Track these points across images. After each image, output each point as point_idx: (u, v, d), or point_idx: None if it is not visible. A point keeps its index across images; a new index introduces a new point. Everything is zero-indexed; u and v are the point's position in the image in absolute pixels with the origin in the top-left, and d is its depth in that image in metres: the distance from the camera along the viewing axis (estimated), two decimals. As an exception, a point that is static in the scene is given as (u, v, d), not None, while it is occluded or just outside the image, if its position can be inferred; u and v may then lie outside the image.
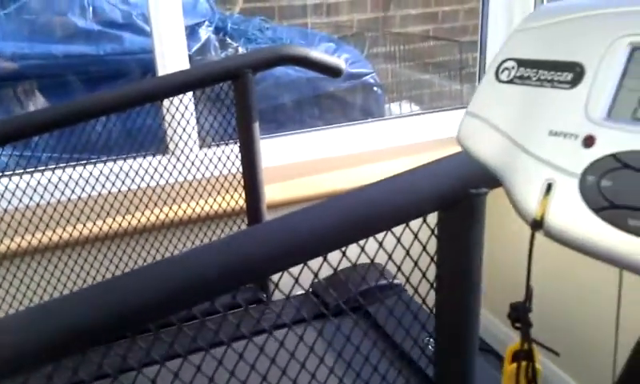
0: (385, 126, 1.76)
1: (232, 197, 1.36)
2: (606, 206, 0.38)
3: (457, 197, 0.58)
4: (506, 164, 0.46)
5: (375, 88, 1.99)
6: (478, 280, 0.61)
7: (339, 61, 1.40)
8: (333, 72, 1.44)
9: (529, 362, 0.51)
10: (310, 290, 1.47)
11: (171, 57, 1.51)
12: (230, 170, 1.45)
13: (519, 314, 0.45)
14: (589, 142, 0.40)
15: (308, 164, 1.69)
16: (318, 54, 1.37)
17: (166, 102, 1.58)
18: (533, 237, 0.43)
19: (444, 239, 0.61)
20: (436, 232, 0.62)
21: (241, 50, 1.85)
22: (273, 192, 1.59)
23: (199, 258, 0.58)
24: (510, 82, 0.47)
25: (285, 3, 2.90)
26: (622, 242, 0.38)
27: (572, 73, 0.42)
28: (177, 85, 1.31)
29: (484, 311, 0.71)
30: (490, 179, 0.47)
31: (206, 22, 1.76)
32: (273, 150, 1.70)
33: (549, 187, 0.42)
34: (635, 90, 0.39)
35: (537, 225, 0.42)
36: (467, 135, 0.49)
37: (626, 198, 0.37)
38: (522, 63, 0.46)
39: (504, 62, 0.48)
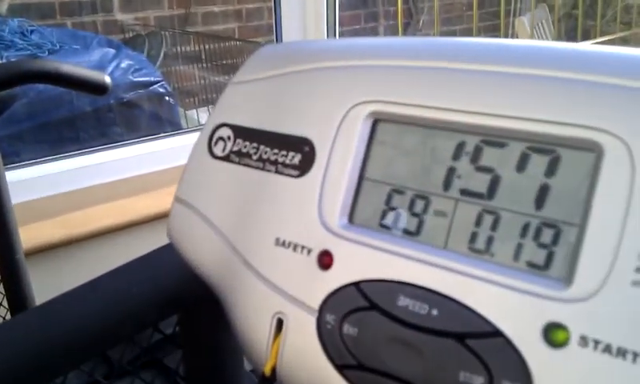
0: (175, 141, 1.58)
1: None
2: (352, 365, 0.26)
3: (195, 295, 0.43)
4: (226, 279, 0.31)
5: (167, 97, 1.78)
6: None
7: (102, 75, 1.17)
8: (95, 89, 1.20)
9: None
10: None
11: None
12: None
13: None
14: (325, 261, 0.27)
15: (78, 193, 1.44)
16: (72, 68, 1.13)
17: None
18: (261, 398, 0.29)
19: (187, 345, 0.46)
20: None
21: (-9, 61, 1.52)
22: (36, 233, 1.32)
23: None
24: (227, 158, 0.32)
25: (66, -1, 2.55)
26: (375, 420, 0.25)
27: (300, 153, 0.29)
28: None
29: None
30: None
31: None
32: (35, 179, 1.43)
33: (280, 324, 0.28)
34: (383, 183, 0.27)
35: (267, 381, 0.29)
36: (177, 229, 0.34)
37: (376, 357, 0.25)
38: (239, 133, 0.32)
39: (218, 128, 0.33)
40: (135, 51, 1.95)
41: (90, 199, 1.51)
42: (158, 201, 1.54)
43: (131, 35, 2.64)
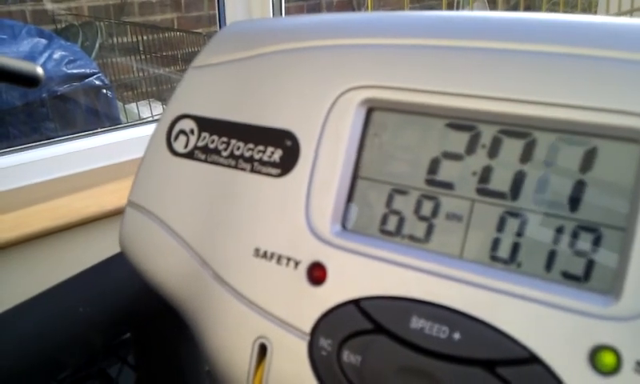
0: (115, 136, 1.49)
1: None
2: (353, 398, 0.22)
3: (152, 309, 0.38)
4: (194, 298, 0.27)
5: (104, 90, 1.68)
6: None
7: (34, 66, 1.08)
8: (26, 81, 1.11)
9: None
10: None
11: None
12: None
13: None
14: (317, 274, 0.23)
15: (8, 195, 1.34)
16: (2, 58, 1.04)
17: None
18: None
19: (142, 367, 0.41)
20: (130, 359, 0.41)
21: None
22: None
23: None
24: (190, 155, 0.27)
25: (-10, -14, 2.39)
26: None
27: (281, 149, 0.25)
28: None
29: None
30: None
31: None
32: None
33: (263, 350, 0.24)
34: (381, 182, 0.23)
35: (246, 417, 0.24)
36: (132, 239, 0.29)
37: (383, 389, 0.21)
38: (205, 125, 0.27)
39: (178, 120, 0.28)
40: (68, 42, 1.84)
41: (21, 201, 1.40)
42: (98, 200, 1.44)
43: (63, 26, 2.51)
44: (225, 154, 0.26)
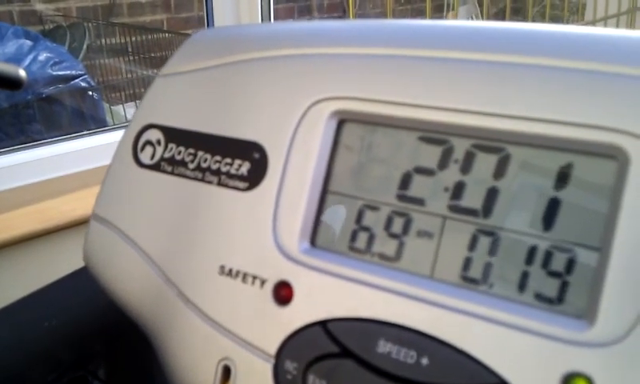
0: (101, 138, 1.47)
1: None
2: (318, 424, 0.21)
3: (120, 324, 0.37)
4: (158, 316, 0.26)
5: (90, 92, 1.66)
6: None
7: (16, 68, 1.06)
8: (9, 83, 1.09)
9: None
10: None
11: None
12: None
13: None
14: (283, 294, 0.22)
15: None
16: (-19, 61, 1.02)
17: None
18: None
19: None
20: (101, 374, 0.40)
21: None
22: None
23: None
24: (156, 167, 0.26)
25: (-24, -14, 2.37)
26: None
27: (248, 161, 0.24)
28: None
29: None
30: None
31: None
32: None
33: (227, 372, 0.23)
34: (352, 197, 0.22)
35: (210, 441, 0.23)
36: (96, 254, 0.28)
37: (350, 416, 0.20)
38: (172, 136, 0.26)
39: (145, 130, 0.27)
40: (56, 43, 1.82)
41: (9, 203, 1.38)
42: (86, 202, 1.42)
43: (51, 27, 2.49)
44: (191, 166, 0.25)
